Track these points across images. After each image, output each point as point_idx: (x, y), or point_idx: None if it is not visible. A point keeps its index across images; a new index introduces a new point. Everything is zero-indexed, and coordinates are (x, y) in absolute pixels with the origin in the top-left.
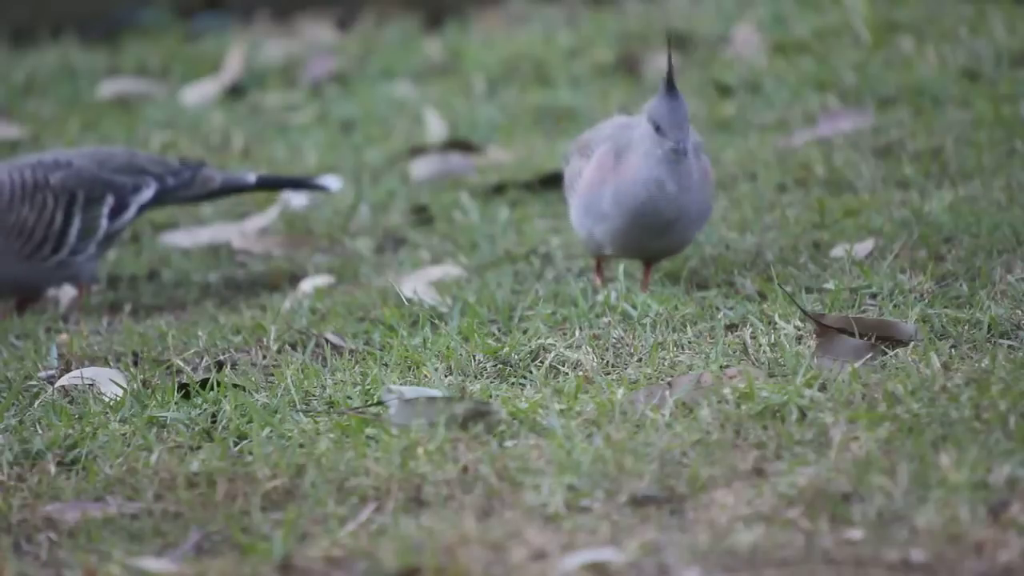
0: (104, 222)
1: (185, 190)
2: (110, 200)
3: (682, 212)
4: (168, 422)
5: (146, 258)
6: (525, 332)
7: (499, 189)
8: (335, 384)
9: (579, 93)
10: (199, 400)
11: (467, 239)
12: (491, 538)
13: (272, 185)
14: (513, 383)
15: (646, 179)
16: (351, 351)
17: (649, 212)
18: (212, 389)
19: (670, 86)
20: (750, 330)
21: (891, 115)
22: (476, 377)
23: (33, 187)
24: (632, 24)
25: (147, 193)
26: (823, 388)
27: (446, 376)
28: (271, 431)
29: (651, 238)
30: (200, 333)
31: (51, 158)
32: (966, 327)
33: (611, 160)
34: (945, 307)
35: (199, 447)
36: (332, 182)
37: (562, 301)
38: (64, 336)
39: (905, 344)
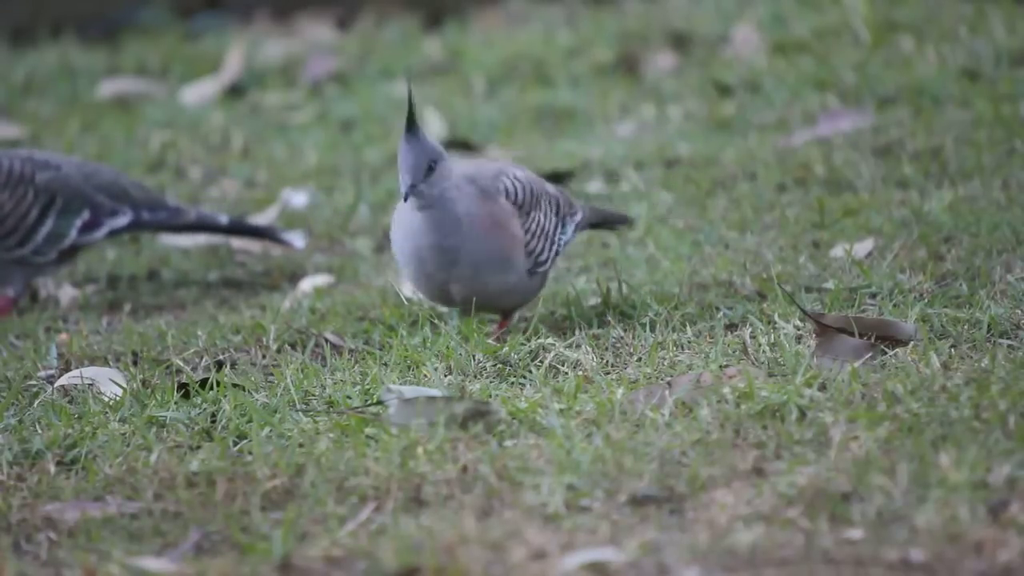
0: (74, 232)
1: (160, 224)
2: (86, 214)
3: (458, 258)
4: (168, 422)
5: (146, 258)
6: (525, 332)
7: None
8: (335, 384)
9: (579, 93)
10: (199, 400)
11: None
12: (491, 538)
13: (241, 231)
14: (513, 383)
15: (408, 230)
16: (351, 351)
17: (420, 260)
18: (212, 389)
19: (409, 127)
20: (750, 330)
21: (891, 115)
22: (476, 377)
23: (19, 178)
24: (632, 24)
25: (122, 220)
26: (823, 388)
27: (446, 376)
28: (271, 431)
29: (442, 285)
30: (200, 333)
31: (43, 157)
32: (966, 327)
33: (396, 213)
34: (945, 307)
35: (199, 447)
36: (296, 239)
37: (562, 301)
38: (64, 336)
39: (905, 344)
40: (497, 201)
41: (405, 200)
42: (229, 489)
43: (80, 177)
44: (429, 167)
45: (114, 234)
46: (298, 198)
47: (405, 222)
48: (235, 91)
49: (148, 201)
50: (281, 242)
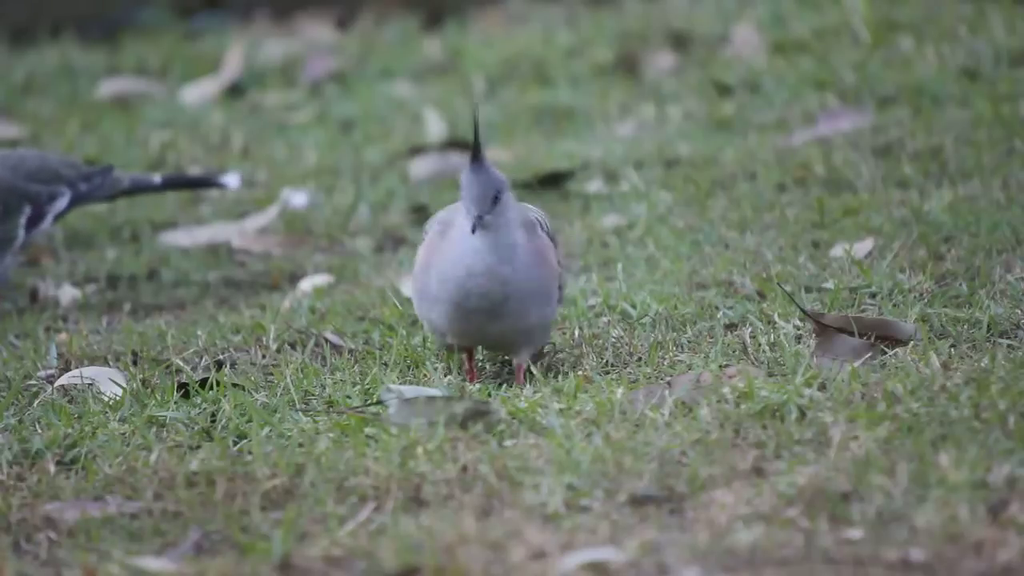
0: (21, 232)
1: (97, 193)
2: (27, 210)
3: (509, 289)
4: (167, 421)
5: (146, 258)
6: None
7: None
8: (334, 383)
9: (578, 93)
10: (198, 399)
11: None
12: (490, 537)
13: (176, 184)
14: (512, 383)
15: (461, 253)
16: (350, 350)
17: (470, 288)
18: (211, 388)
19: (475, 157)
20: (749, 329)
21: (891, 115)
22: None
23: None
24: (631, 24)
25: (62, 202)
26: (822, 387)
27: (445, 376)
28: (270, 430)
29: (483, 319)
30: (199, 332)
31: None
32: (965, 326)
33: (437, 240)
34: (945, 307)
35: (199, 446)
36: (232, 180)
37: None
38: (63, 335)
39: (904, 344)
40: (538, 233)
41: (473, 231)
42: (229, 489)
43: (9, 173)
44: (495, 198)
45: (59, 218)
46: (298, 198)
47: (455, 249)
48: (235, 91)
49: (80, 174)
50: (217, 185)
